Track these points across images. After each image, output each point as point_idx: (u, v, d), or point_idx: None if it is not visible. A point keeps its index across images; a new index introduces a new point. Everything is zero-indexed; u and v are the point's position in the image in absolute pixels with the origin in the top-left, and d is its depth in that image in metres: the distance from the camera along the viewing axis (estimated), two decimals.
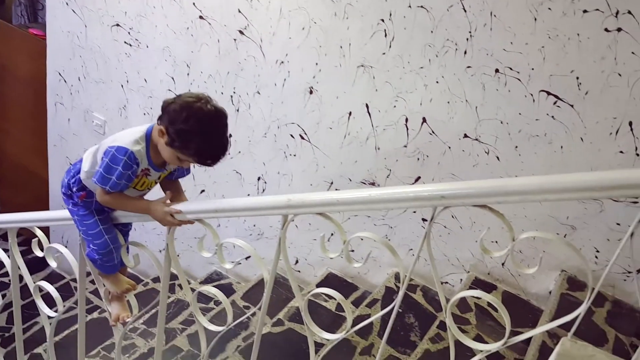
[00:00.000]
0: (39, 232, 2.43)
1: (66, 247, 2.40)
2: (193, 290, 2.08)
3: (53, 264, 2.43)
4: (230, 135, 3.54)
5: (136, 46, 3.90)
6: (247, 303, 3.50)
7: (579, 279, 2.74)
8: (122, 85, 4.13)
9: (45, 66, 4.66)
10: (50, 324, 2.60)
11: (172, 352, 3.07)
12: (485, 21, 2.48)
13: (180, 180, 2.20)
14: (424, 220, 3.02)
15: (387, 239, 3.09)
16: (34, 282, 2.58)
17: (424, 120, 2.79)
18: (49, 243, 2.42)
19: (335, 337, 1.84)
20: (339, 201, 1.62)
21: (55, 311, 2.50)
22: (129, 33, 3.89)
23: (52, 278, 4.98)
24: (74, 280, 4.29)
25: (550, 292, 2.79)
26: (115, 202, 2.00)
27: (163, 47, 3.73)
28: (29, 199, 5.40)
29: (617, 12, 2.21)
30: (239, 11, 3.25)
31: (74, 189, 2.09)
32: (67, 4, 4.21)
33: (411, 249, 3.11)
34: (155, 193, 2.08)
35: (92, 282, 2.41)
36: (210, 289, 1.99)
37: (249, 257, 3.88)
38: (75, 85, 4.48)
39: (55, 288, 2.48)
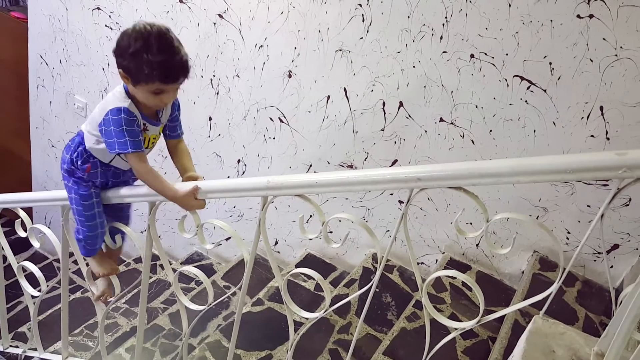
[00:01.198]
0: (22, 213, 2.42)
1: (49, 227, 2.41)
2: (174, 270, 2.08)
3: (36, 244, 2.43)
4: (211, 118, 3.53)
5: (117, 29, 3.85)
6: (228, 283, 3.50)
7: (551, 259, 2.76)
8: (103, 69, 4.09)
9: (27, 49, 4.61)
10: (34, 303, 2.61)
11: (154, 331, 3.06)
12: (461, 7, 2.47)
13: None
14: (400, 202, 3.02)
15: (365, 221, 3.09)
16: (18, 263, 2.59)
17: (401, 104, 2.78)
18: (32, 224, 2.41)
19: (314, 316, 1.84)
20: (317, 183, 1.61)
21: (39, 291, 2.51)
22: (109, 16, 3.85)
23: (36, 258, 4.97)
24: (57, 260, 4.27)
25: (522, 272, 2.81)
26: (148, 176, 1.86)
27: None
28: (11, 180, 5.35)
29: None
30: None
31: (79, 163, 1.96)
32: None
33: (388, 231, 3.11)
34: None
35: (75, 262, 2.39)
36: (191, 269, 1.99)
37: (229, 238, 3.87)
38: (57, 68, 4.44)
39: (39, 268, 2.49)
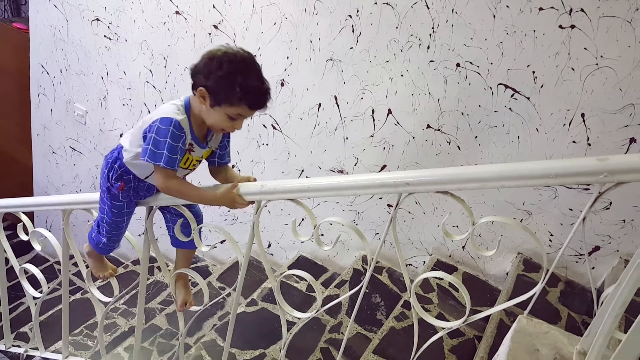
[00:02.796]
0: (24, 217, 2.43)
1: (50, 231, 2.41)
2: (171, 272, 2.09)
3: (37, 247, 2.44)
4: None
5: (115, 40, 3.84)
6: (223, 284, 3.49)
7: (534, 260, 2.76)
8: (102, 77, 4.08)
9: (29, 59, 4.61)
10: (35, 304, 2.62)
11: (152, 331, 3.05)
12: (447, 18, 2.47)
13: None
14: (389, 206, 3.02)
15: (355, 224, 3.09)
16: (20, 265, 2.59)
17: (390, 111, 2.78)
18: (34, 228, 2.41)
19: (306, 315, 1.84)
20: (309, 188, 1.61)
21: (40, 292, 2.51)
22: (108, 27, 3.84)
23: (37, 261, 4.95)
24: (58, 262, 4.25)
25: (507, 273, 2.81)
26: (178, 189, 1.79)
27: (141, 40, 3.68)
28: (13, 185, 5.34)
29: (571, 10, 2.21)
30: (214, 7, 3.20)
31: (112, 180, 1.87)
32: None
33: (377, 233, 3.10)
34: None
35: (75, 264, 2.40)
36: (187, 271, 1.99)
37: (224, 240, 3.86)
38: (58, 77, 4.42)
39: (40, 270, 2.49)
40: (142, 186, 1.91)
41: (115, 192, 1.90)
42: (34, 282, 2.53)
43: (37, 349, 2.81)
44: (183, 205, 1.89)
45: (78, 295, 3.89)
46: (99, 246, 2.08)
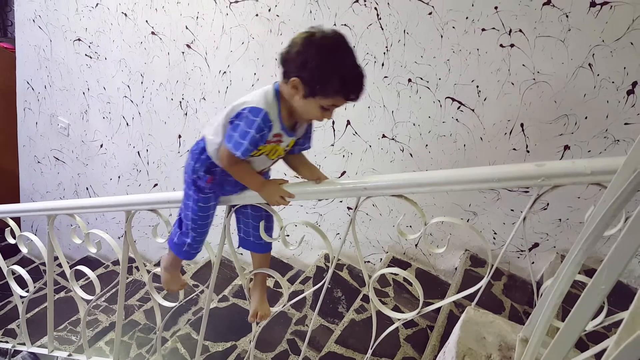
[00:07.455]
0: (11, 222, 2.41)
1: (36, 235, 2.38)
2: (149, 271, 2.07)
3: (24, 250, 2.42)
4: (180, 136, 3.48)
5: (96, 58, 3.78)
6: (196, 282, 3.44)
7: (480, 257, 2.78)
8: (83, 93, 4.01)
9: (15, 76, 4.52)
10: (22, 302, 2.58)
11: (131, 326, 3.02)
12: (400, 38, 2.47)
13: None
14: (349, 208, 3.01)
15: (318, 225, 3.08)
16: (7, 266, 2.57)
17: (348, 122, 2.77)
18: (20, 232, 2.38)
19: (273, 310, 1.85)
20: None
21: (27, 291, 2.48)
22: (89, 47, 3.77)
23: (23, 262, 4.85)
24: (43, 264, 4.17)
25: (456, 268, 2.83)
26: (240, 173, 1.59)
27: (119, 59, 3.62)
28: (1, 192, 5.24)
29: (510, 31, 2.23)
30: (187, 28, 3.17)
31: (201, 172, 1.62)
32: (33, 20, 4.07)
33: (338, 234, 3.09)
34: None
35: (59, 265, 2.35)
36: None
37: None
38: (42, 92, 4.35)
39: (26, 271, 2.46)
40: (230, 180, 1.66)
41: (202, 185, 1.66)
42: (21, 282, 2.50)
43: (24, 344, 2.75)
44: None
45: (62, 294, 3.81)
46: (183, 249, 1.80)
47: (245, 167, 1.57)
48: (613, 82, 2.13)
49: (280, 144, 1.53)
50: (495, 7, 2.23)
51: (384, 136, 2.72)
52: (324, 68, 1.35)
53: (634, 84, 2.10)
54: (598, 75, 2.14)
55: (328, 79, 1.36)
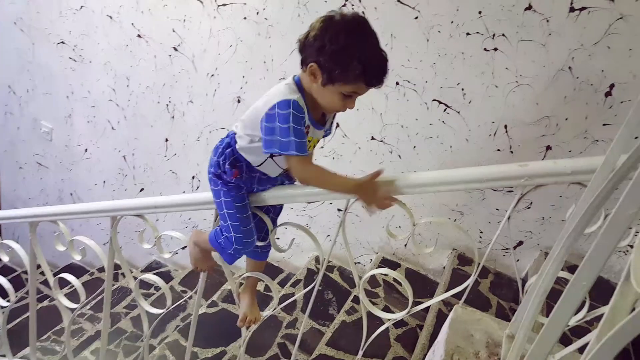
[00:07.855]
0: None
1: (17, 242, 2.32)
2: (135, 278, 2.04)
3: (5, 258, 2.36)
4: (167, 140, 3.50)
5: (80, 61, 3.78)
6: (185, 288, 3.46)
7: (467, 255, 2.83)
8: (67, 97, 4.00)
9: None
10: (3, 312, 2.50)
11: (117, 334, 3.00)
12: (387, 41, 2.52)
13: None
14: (339, 210, 3.05)
15: (308, 228, 3.11)
16: None
17: (338, 125, 2.81)
18: (1, 239, 2.33)
19: (264, 314, 1.85)
20: (266, 196, 1.63)
21: (8, 301, 2.41)
22: (73, 50, 3.77)
23: (5, 271, 4.74)
24: (25, 272, 4.13)
25: (444, 267, 2.86)
26: (318, 177, 1.49)
27: (105, 62, 3.63)
28: None
29: (494, 35, 2.29)
30: (173, 30, 3.19)
31: (226, 166, 1.53)
32: (15, 23, 4.05)
33: (328, 235, 3.12)
34: None
35: (42, 273, 2.29)
36: (150, 277, 1.94)
37: (185, 247, 3.82)
38: (24, 96, 4.32)
39: (8, 280, 2.40)
40: (254, 177, 1.58)
41: (229, 179, 1.55)
42: (1, 291, 2.43)
43: (4, 355, 2.71)
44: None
45: (45, 303, 3.77)
46: (228, 252, 1.69)
47: (319, 170, 1.47)
48: (592, 85, 2.20)
49: (308, 135, 1.42)
50: (479, 12, 2.28)
51: (372, 138, 2.77)
52: (342, 51, 1.27)
53: (612, 86, 2.17)
54: (577, 77, 2.21)
55: (348, 63, 1.28)
